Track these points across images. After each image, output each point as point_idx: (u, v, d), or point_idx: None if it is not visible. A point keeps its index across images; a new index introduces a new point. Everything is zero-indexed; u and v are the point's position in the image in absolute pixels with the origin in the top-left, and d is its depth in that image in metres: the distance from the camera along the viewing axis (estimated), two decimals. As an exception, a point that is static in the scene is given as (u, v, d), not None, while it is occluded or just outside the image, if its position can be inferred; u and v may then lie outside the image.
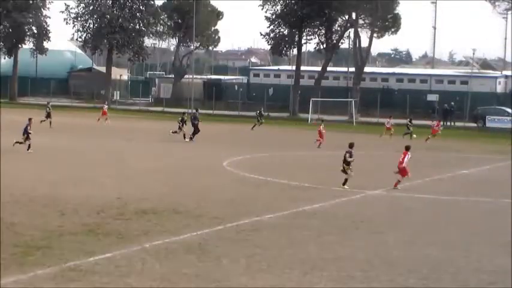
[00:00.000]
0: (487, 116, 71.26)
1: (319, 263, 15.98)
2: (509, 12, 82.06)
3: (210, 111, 78.28)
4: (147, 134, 50.89)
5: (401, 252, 17.29)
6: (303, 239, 18.48)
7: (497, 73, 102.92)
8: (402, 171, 28.06)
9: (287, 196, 25.37)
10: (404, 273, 15.36)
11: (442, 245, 18.26)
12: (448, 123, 72.48)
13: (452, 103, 74.90)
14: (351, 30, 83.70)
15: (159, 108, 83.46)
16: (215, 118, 73.06)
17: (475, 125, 71.16)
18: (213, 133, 53.78)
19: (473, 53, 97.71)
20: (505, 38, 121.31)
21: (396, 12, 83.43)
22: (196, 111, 49.64)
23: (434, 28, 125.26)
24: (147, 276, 14.36)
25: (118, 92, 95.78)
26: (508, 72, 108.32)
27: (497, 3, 77.92)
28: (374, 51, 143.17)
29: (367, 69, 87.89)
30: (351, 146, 28.33)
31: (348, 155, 27.88)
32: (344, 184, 27.60)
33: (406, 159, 28.22)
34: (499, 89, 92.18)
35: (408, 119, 57.73)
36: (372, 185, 28.68)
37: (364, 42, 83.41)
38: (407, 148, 29.01)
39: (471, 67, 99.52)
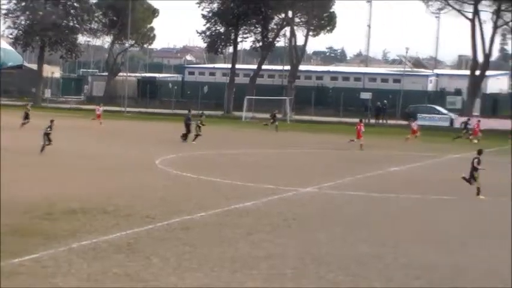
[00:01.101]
0: (418, 114, 72.30)
1: (250, 261, 15.96)
2: (442, 11, 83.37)
3: (144, 109, 77.62)
4: (76, 132, 50.19)
5: (331, 250, 17.38)
6: (233, 237, 18.43)
7: (429, 72, 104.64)
8: None
9: (219, 194, 25.30)
10: (334, 270, 15.45)
11: (371, 242, 18.43)
12: (381, 121, 73.40)
13: (385, 101, 75.88)
14: (287, 29, 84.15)
15: (92, 107, 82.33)
16: (149, 116, 72.56)
17: (406, 122, 72.07)
18: (146, 131, 53.40)
19: (407, 52, 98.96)
20: (437, 37, 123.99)
21: (332, 10, 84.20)
22: (189, 112, 48.89)
23: (369, 27, 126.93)
24: (74, 276, 14.14)
25: (49, 90, 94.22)
26: (439, 71, 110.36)
27: (430, 3, 79.11)
28: (309, 49, 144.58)
29: (302, 67, 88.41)
30: (480, 152, 27.57)
31: (476, 161, 27.12)
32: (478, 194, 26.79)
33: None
34: (431, 87, 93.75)
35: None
36: (304, 182, 28.79)
37: (300, 41, 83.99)
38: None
39: (404, 66, 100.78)
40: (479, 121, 57.01)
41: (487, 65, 77.58)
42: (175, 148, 41.05)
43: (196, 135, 45.19)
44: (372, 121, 72.87)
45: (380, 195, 26.91)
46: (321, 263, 15.96)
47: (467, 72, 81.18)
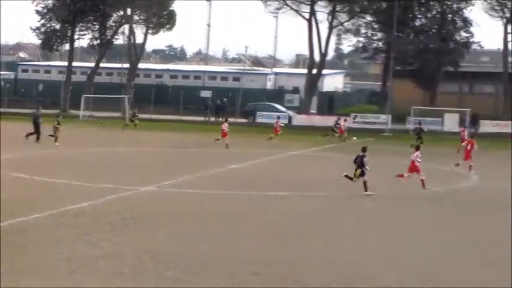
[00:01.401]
0: (257, 112, 73.44)
1: (87, 261, 15.54)
2: (280, 11, 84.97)
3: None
4: None
5: (170, 248, 17.21)
6: (70, 237, 17.90)
7: (268, 70, 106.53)
8: None
9: (55, 195, 24.55)
10: (173, 267, 15.28)
11: (211, 239, 18.40)
12: (221, 119, 73.82)
13: (225, 99, 76.47)
14: (126, 26, 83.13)
15: None
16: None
17: (246, 120, 73.05)
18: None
19: (246, 51, 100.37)
20: (276, 37, 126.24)
21: (171, 9, 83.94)
22: (37, 110, 46.52)
23: (209, 26, 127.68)
24: None
25: None
26: (278, 70, 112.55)
27: (268, 3, 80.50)
28: (149, 47, 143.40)
29: (141, 65, 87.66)
30: (364, 150, 27.62)
31: (365, 160, 27.21)
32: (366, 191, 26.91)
33: None
34: (269, 85, 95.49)
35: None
36: (144, 181, 28.44)
37: (139, 39, 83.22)
38: None
39: (243, 64, 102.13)
40: (345, 120, 58.33)
41: (323, 64, 79.87)
42: (11, 148, 39.44)
43: (53, 136, 43.57)
44: (212, 119, 73.27)
45: (219, 192, 26.98)
46: (160, 261, 15.77)
47: (305, 70, 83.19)
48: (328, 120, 69.17)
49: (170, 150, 43.77)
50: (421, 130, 52.79)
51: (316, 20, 76.39)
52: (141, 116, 67.54)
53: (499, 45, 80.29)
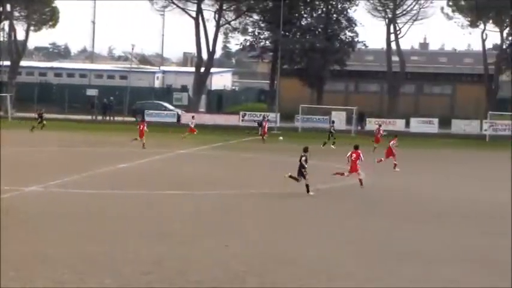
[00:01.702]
0: (145, 110, 72.65)
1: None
2: (166, 9, 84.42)
3: None
4: None
5: (57, 248, 16.76)
6: (-50, 241, 17.13)
7: (156, 68, 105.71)
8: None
9: None
10: (60, 268, 14.91)
11: (99, 239, 18.02)
12: (108, 118, 72.77)
13: (112, 98, 75.26)
14: (6, 23, 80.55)
15: None
16: None
17: (134, 119, 72.16)
18: None
19: (133, 49, 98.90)
20: (163, 35, 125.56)
21: (54, 5, 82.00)
22: None
23: (94, 23, 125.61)
24: None
25: None
26: (165, 68, 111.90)
27: (154, 1, 79.81)
28: (31, 44, 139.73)
29: (23, 63, 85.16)
30: (306, 150, 27.16)
31: (304, 159, 26.86)
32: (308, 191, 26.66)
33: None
34: (157, 84, 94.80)
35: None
36: (29, 181, 27.61)
37: (20, 35, 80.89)
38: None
39: (130, 62, 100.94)
40: (267, 120, 58.47)
41: (211, 62, 79.81)
42: None
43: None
44: (99, 118, 72.07)
45: (107, 192, 26.49)
46: (45, 263, 15.35)
47: (193, 69, 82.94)
48: (217, 119, 69.43)
49: (57, 150, 42.74)
50: (331, 130, 52.92)
51: (203, 19, 76.27)
52: (24, 115, 65.82)
53: (383, 45, 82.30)
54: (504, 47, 78.21)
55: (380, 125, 53.05)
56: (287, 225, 21.12)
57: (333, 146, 48.32)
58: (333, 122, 58.01)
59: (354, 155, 29.37)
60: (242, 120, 69.26)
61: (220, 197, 26.35)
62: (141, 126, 45.24)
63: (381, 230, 20.80)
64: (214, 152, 44.88)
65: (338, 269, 15.89)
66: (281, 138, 51.54)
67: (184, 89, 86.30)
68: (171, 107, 75.55)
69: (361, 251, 17.75)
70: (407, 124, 69.70)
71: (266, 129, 54.67)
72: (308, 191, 26.63)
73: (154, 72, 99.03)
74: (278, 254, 17.07)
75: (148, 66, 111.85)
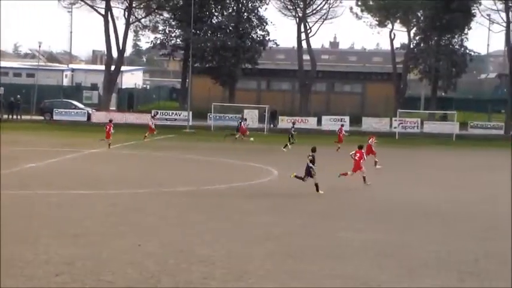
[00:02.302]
0: (54, 109, 71.29)
1: None
2: (74, 6, 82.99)
3: None
4: None
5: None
6: None
7: (64, 66, 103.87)
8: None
9: None
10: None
11: (8, 241, 17.44)
12: (15, 117, 71.05)
13: (19, 96, 73.46)
14: None
15: None
16: None
17: (42, 118, 70.73)
18: None
19: (40, 46, 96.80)
20: (71, 32, 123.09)
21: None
22: None
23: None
24: None
25: None
26: (74, 66, 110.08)
27: (61, -2, 78.35)
28: None
29: None
30: (314, 150, 27.34)
31: (310, 158, 27.09)
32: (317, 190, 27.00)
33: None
34: (66, 82, 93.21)
35: None
36: None
37: None
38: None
39: (38, 60, 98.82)
40: (245, 119, 58.73)
41: (121, 60, 78.90)
42: None
43: None
44: (6, 117, 70.30)
45: (15, 192, 25.75)
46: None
47: (103, 67, 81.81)
48: (128, 118, 68.62)
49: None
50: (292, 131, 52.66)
51: (112, 16, 75.27)
52: None
53: (294, 44, 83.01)
54: (411, 46, 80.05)
55: (342, 125, 54.13)
56: (200, 223, 20.92)
57: (287, 148, 47.53)
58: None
59: (358, 155, 30.22)
60: (153, 119, 68.68)
61: (133, 196, 25.97)
62: (108, 127, 45.50)
63: (297, 228, 20.84)
64: (126, 150, 44.32)
65: (253, 266, 15.79)
66: (252, 139, 51.81)
67: (94, 87, 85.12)
68: (81, 106, 74.35)
69: (276, 250, 17.70)
70: (319, 122, 70.50)
71: (245, 128, 54.65)
72: (317, 190, 27.05)
73: (62, 70, 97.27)
74: (192, 252, 16.87)
75: (57, 64, 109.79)
